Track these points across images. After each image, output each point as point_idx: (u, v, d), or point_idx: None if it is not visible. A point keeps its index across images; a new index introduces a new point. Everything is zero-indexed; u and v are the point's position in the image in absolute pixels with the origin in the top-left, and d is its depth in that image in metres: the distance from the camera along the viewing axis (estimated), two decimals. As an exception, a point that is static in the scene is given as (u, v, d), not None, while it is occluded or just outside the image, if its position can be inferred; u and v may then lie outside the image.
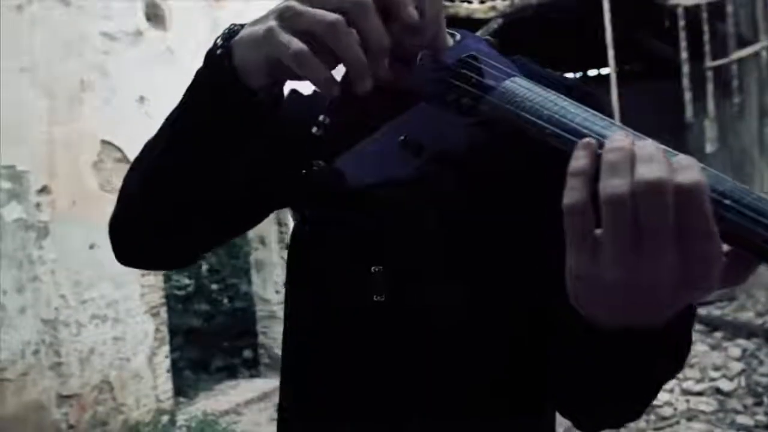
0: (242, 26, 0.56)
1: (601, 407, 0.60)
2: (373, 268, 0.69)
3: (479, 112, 0.55)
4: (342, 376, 0.72)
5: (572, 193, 0.40)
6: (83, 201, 3.80)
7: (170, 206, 0.67)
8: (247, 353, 6.90)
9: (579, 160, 0.40)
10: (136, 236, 0.77)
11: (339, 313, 0.73)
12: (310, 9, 0.46)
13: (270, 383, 5.86)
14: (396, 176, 0.64)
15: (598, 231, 0.39)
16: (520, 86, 0.52)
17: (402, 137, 0.64)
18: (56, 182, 3.65)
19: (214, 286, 7.91)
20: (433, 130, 0.62)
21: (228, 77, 0.54)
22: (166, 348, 4.32)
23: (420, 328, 0.68)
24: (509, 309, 0.67)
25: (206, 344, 7.19)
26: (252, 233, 6.06)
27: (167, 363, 4.33)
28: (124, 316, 4.00)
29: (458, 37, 0.71)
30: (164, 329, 4.31)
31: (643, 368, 0.50)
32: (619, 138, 0.40)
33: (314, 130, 0.54)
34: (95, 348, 3.81)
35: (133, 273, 4.09)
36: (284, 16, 0.47)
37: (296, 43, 0.46)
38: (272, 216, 5.84)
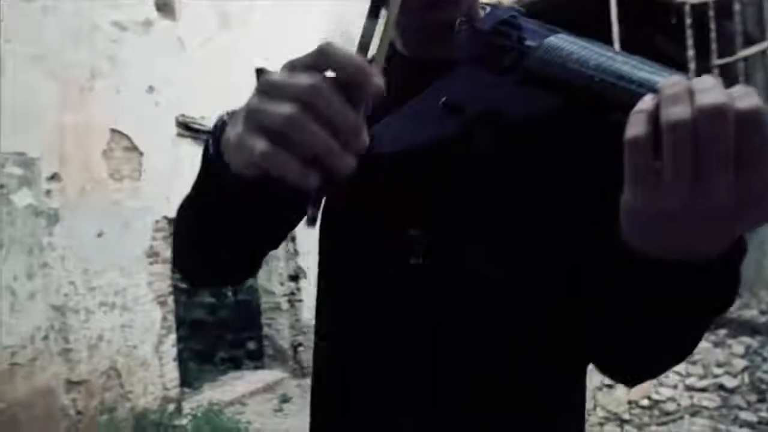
0: (231, 114, 0.55)
1: (648, 352, 0.59)
2: (411, 230, 0.69)
3: (523, 69, 0.56)
4: (379, 340, 0.72)
5: (634, 128, 0.41)
6: (93, 189, 3.82)
7: (216, 250, 0.70)
8: (252, 345, 6.92)
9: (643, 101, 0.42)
10: (196, 268, 0.78)
11: (376, 277, 0.73)
12: (267, 106, 0.44)
13: (274, 375, 5.88)
14: (437, 137, 0.65)
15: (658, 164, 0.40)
16: (565, 41, 0.52)
17: (444, 99, 0.65)
18: (66, 170, 3.66)
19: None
20: (475, 92, 0.63)
21: (225, 174, 0.53)
22: (173, 336, 4.34)
23: (458, 291, 0.69)
24: (547, 271, 0.67)
25: (211, 336, 7.21)
26: (258, 225, 6.08)
27: (174, 352, 4.35)
28: (131, 304, 4.02)
29: (488, 9, 0.72)
30: (171, 318, 4.33)
31: (696, 302, 0.51)
32: (676, 77, 0.41)
33: (307, 224, 0.51)
34: (103, 335, 3.83)
35: (140, 262, 4.12)
36: (249, 117, 0.46)
37: (260, 145, 0.44)
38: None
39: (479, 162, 0.67)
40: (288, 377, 5.87)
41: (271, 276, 5.94)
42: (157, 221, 4.24)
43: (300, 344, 5.90)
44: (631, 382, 0.67)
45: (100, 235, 3.83)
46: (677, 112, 0.39)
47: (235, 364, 6.60)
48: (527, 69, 0.55)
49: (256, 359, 6.54)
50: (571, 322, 0.65)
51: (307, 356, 5.93)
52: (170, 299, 4.35)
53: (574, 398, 0.77)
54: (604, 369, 0.69)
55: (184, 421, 4.13)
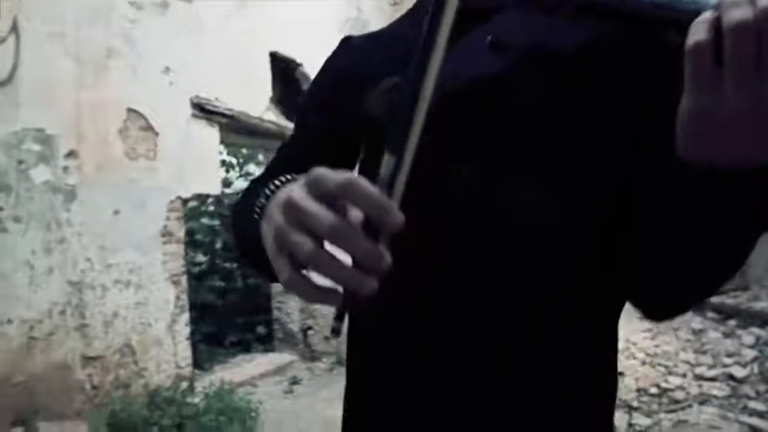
0: (280, 185, 0.60)
1: (695, 275, 0.60)
2: (453, 170, 0.69)
3: (574, 1, 0.57)
4: (418, 279, 0.72)
5: (695, 36, 0.42)
6: (109, 167, 3.85)
7: (261, 266, 0.71)
8: (261, 329, 6.97)
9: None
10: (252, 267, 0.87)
11: (416, 219, 0.74)
12: (293, 236, 0.48)
13: (284, 357, 5.92)
14: (483, 75, 0.65)
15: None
16: None
17: (490, 38, 0.65)
18: (83, 147, 3.69)
19: (228, 264, 7.98)
20: (522, 30, 0.64)
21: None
22: (186, 316, 4.38)
23: (498, 228, 0.69)
24: (592, 206, 0.67)
25: (221, 319, 7.27)
26: (269, 209, 6.10)
27: (187, 331, 4.39)
28: (146, 283, 4.05)
29: None
30: (184, 297, 4.36)
31: (750, 214, 0.51)
32: None
33: (331, 334, 0.53)
34: (118, 312, 3.87)
35: (155, 241, 4.15)
36: (276, 239, 0.50)
37: (285, 273, 0.49)
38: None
39: (525, 99, 0.67)
40: (298, 360, 5.90)
41: (282, 260, 5.96)
42: (171, 201, 4.26)
43: (310, 328, 5.93)
44: (670, 314, 0.67)
45: (116, 212, 3.86)
46: (739, 13, 0.40)
47: (245, 347, 6.66)
48: (573, 2, 0.55)
49: (266, 342, 6.58)
50: (617, 256, 0.66)
51: (316, 339, 5.96)
52: (183, 279, 4.38)
53: (608, 348, 0.78)
54: (638, 300, 0.69)
55: (196, 400, 4.16)
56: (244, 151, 8.55)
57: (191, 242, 6.36)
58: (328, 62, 0.93)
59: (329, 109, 0.87)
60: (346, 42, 0.93)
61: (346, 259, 0.47)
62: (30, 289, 3.37)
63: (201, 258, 7.98)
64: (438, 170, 0.70)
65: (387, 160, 0.49)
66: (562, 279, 0.70)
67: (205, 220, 8.26)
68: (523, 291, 0.70)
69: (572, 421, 0.72)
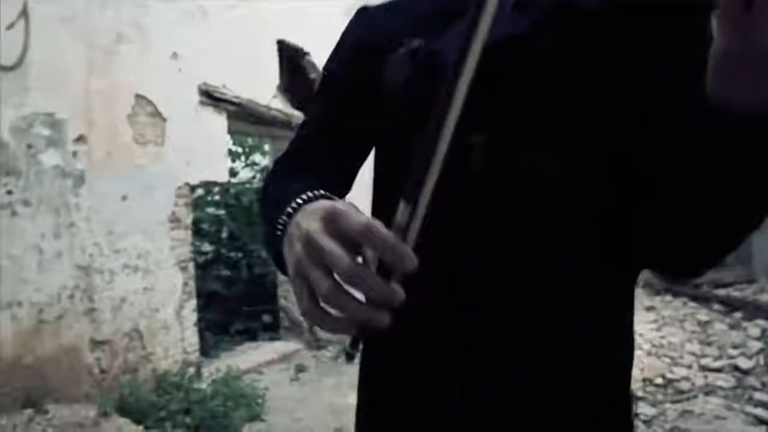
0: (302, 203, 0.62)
1: (711, 233, 0.60)
2: (474, 136, 0.69)
3: None
4: (441, 249, 0.71)
5: None
6: (118, 152, 3.86)
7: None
8: (267, 318, 6.99)
9: None
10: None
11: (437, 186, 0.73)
12: (312, 272, 0.52)
13: (290, 346, 5.94)
14: (507, 35, 0.65)
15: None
16: None
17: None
18: (92, 132, 3.70)
19: (234, 254, 8.00)
20: None
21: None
22: (193, 302, 4.40)
23: (516, 197, 0.69)
24: (608, 169, 0.67)
25: (226, 308, 7.30)
26: (276, 198, 6.10)
27: (194, 317, 4.41)
28: (154, 268, 4.07)
29: None
30: (192, 284, 4.38)
31: None
32: None
33: (345, 359, 0.58)
34: (126, 297, 3.89)
35: (163, 226, 4.17)
36: (297, 270, 0.54)
37: (303, 305, 0.55)
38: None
39: (547, 58, 0.67)
40: (303, 349, 5.92)
41: (289, 248, 5.97)
42: (179, 187, 4.27)
43: (316, 316, 5.95)
44: (690, 274, 0.67)
45: (124, 198, 3.88)
46: None
47: (251, 336, 6.68)
48: None
49: (272, 331, 6.60)
50: (638, 215, 0.66)
51: (321, 330, 5.98)
52: (191, 265, 4.39)
53: (628, 312, 0.78)
54: (654, 263, 0.69)
55: (203, 385, 4.19)
56: (250, 141, 8.56)
57: (197, 231, 6.37)
58: (346, 32, 0.93)
59: (349, 77, 0.88)
60: (363, 11, 0.93)
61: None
62: (39, 273, 3.39)
63: (207, 247, 8.01)
64: (457, 135, 0.70)
65: (403, 209, 0.51)
66: (584, 243, 0.69)
67: (210, 210, 8.28)
68: (543, 258, 0.70)
69: (593, 391, 0.73)
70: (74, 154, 3.60)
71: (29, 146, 3.36)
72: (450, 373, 0.73)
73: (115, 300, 3.81)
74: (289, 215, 0.62)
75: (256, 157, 8.64)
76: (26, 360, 3.31)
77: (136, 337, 3.94)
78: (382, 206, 0.83)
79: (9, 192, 3.25)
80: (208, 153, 4.52)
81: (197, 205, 7.00)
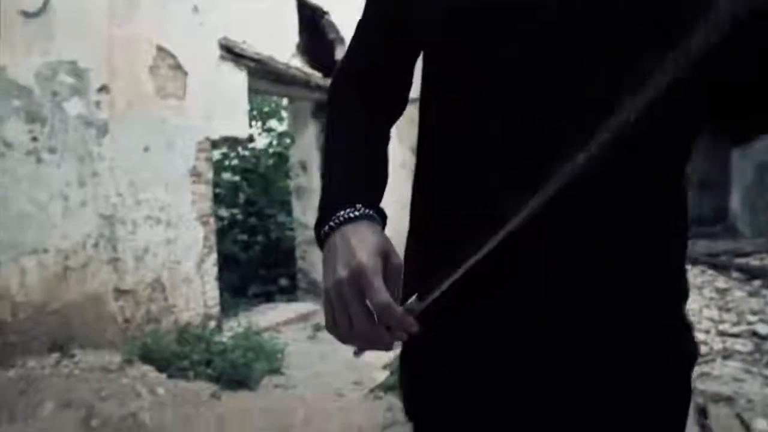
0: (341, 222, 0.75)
1: None
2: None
3: None
4: (497, 124, 0.72)
5: None
6: (139, 104, 3.86)
7: None
8: (284, 281, 7.05)
9: None
10: None
11: (500, 56, 0.72)
12: (337, 314, 0.69)
13: (307, 307, 5.99)
14: None
15: None
16: None
17: None
18: (115, 82, 3.70)
19: (251, 219, 8.03)
20: None
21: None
22: (214, 256, 4.43)
23: (577, 49, 0.67)
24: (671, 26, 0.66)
25: (244, 273, 7.35)
26: (294, 159, 6.11)
27: (215, 272, 4.45)
28: (176, 221, 4.10)
29: None
30: (212, 238, 4.41)
31: None
32: None
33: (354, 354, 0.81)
34: (149, 248, 3.92)
35: (184, 179, 4.18)
36: (326, 303, 0.71)
37: (328, 326, 0.72)
38: (314, 141, 5.87)
39: None
40: (320, 310, 5.95)
41: (306, 210, 5.99)
42: (199, 142, 4.28)
43: (333, 278, 5.98)
44: (754, 137, 0.68)
45: (146, 149, 3.89)
46: None
47: (268, 299, 6.74)
48: None
49: (289, 293, 6.66)
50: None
51: (339, 290, 6.02)
52: (212, 221, 4.42)
53: (683, 187, 0.78)
54: (725, 126, 0.69)
55: (224, 339, 4.24)
56: (266, 108, 8.55)
57: (214, 197, 6.39)
58: None
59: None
60: None
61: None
62: (65, 220, 3.42)
63: (224, 213, 8.04)
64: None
65: (414, 302, 0.68)
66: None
67: (227, 176, 8.30)
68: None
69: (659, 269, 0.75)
70: (97, 103, 3.61)
71: (54, 93, 3.37)
72: (539, 258, 0.73)
73: (137, 251, 3.85)
74: (332, 228, 0.74)
75: (273, 123, 8.62)
76: (53, 306, 3.36)
77: (159, 288, 3.99)
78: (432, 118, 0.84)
79: (34, 139, 3.27)
80: (229, 109, 4.51)
81: (215, 170, 7.00)
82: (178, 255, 4.12)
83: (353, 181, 0.83)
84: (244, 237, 7.89)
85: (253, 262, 7.65)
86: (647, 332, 0.77)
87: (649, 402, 0.79)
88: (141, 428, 2.85)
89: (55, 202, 3.37)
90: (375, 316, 0.66)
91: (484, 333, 0.78)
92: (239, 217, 8.10)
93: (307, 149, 5.92)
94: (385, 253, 0.70)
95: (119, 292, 3.74)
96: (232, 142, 4.68)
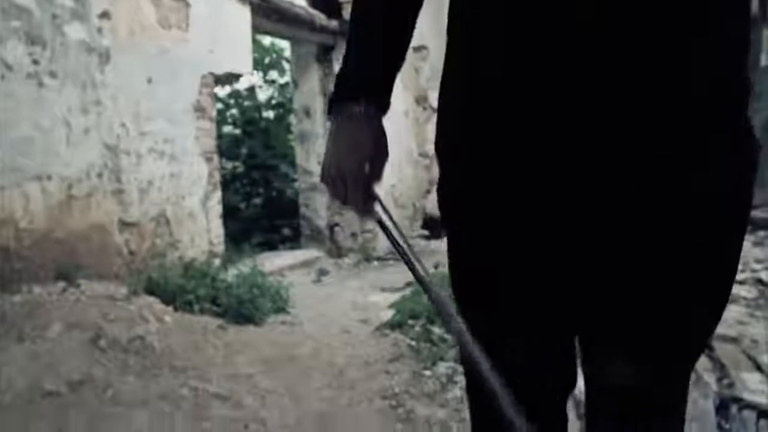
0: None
1: None
2: None
3: None
4: None
5: None
6: (142, 33, 3.77)
7: None
8: (287, 231, 7.02)
9: None
10: None
11: None
12: (331, 189, 0.96)
13: (311, 253, 5.97)
14: None
15: None
16: None
17: None
18: (116, 9, 3.61)
19: (253, 172, 7.97)
20: None
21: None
22: (218, 194, 4.39)
23: None
24: None
25: (246, 223, 7.32)
26: (297, 104, 6.02)
27: (219, 209, 4.41)
28: (180, 155, 4.04)
29: None
30: (217, 175, 4.36)
31: None
32: None
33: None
34: (153, 181, 3.88)
35: (188, 114, 4.12)
36: (323, 176, 0.98)
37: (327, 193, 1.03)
38: (317, 86, 5.77)
39: None
40: (324, 256, 5.94)
41: (310, 155, 5.93)
42: (203, 76, 4.20)
43: (337, 224, 5.95)
44: None
45: (149, 81, 3.82)
46: None
47: (271, 248, 6.71)
48: None
49: (292, 241, 6.63)
50: None
51: (343, 236, 5.99)
52: (216, 157, 4.37)
53: None
54: None
55: (228, 277, 4.21)
56: (266, 60, 8.41)
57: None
58: None
59: None
60: None
61: None
62: (68, 148, 3.36)
63: (226, 165, 7.97)
64: None
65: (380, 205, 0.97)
66: None
67: (228, 129, 8.21)
68: None
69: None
70: (99, 30, 3.52)
71: (54, 16, 3.28)
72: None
73: (142, 183, 3.80)
74: (339, 112, 0.93)
75: (273, 74, 8.50)
76: (57, 234, 3.33)
77: (164, 222, 3.95)
78: None
79: (35, 62, 3.19)
80: (232, 44, 4.41)
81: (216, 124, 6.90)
82: (182, 190, 4.07)
83: (371, 62, 0.94)
84: (247, 189, 7.84)
85: (256, 213, 7.62)
86: (709, 136, 0.73)
87: (711, 205, 0.75)
88: (149, 351, 2.85)
89: (57, 128, 3.31)
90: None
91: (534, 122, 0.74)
92: (241, 170, 8.04)
93: (311, 94, 5.82)
94: (374, 152, 0.90)
95: (124, 225, 3.70)
96: (236, 77, 4.59)
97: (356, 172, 0.89)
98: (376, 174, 0.92)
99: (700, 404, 2.18)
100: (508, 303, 0.84)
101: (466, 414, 2.82)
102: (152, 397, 2.49)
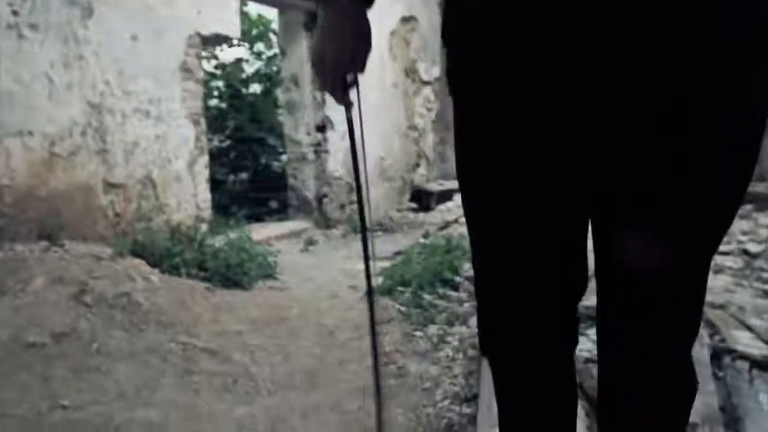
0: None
1: None
2: None
3: None
4: None
5: None
6: (126, -12, 3.66)
7: None
8: (274, 204, 6.96)
9: None
10: None
11: None
12: (318, 75, 0.98)
13: (299, 224, 5.91)
14: None
15: None
16: None
17: None
18: (98, -39, 3.50)
19: (240, 145, 7.87)
20: None
21: None
22: (205, 158, 4.32)
23: None
24: None
25: (233, 197, 7.25)
26: (285, 73, 5.93)
27: (206, 173, 4.34)
28: (166, 117, 3.95)
29: None
30: (204, 140, 4.28)
31: None
32: None
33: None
34: (138, 142, 3.79)
35: (173, 75, 4.02)
36: (312, 62, 0.98)
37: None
38: (306, 55, 5.67)
39: None
40: (312, 227, 5.89)
41: (298, 126, 5.85)
42: (190, 36, 4.10)
43: (325, 195, 5.89)
44: None
45: (134, 38, 3.71)
46: None
47: (258, 220, 6.64)
48: None
49: (280, 213, 6.57)
50: None
51: (331, 208, 5.93)
52: (203, 121, 4.29)
53: None
54: None
55: (216, 243, 4.15)
56: (254, 32, 8.27)
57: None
58: None
59: None
60: None
61: None
62: (50, 103, 3.27)
63: (213, 141, 7.86)
64: None
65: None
66: None
67: (214, 102, 8.10)
68: None
69: None
70: (80, -17, 3.41)
71: (34, -34, 3.17)
72: None
73: (127, 144, 3.71)
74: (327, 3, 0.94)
75: (260, 46, 8.36)
76: (40, 192, 3.24)
77: (150, 185, 3.87)
78: None
79: (14, 12, 3.09)
80: (219, 5, 4.31)
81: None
82: (168, 152, 3.99)
83: None
84: (234, 162, 7.75)
85: (243, 187, 7.54)
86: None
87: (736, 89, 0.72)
88: (135, 307, 2.79)
89: (39, 83, 3.21)
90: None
91: None
92: (227, 143, 7.93)
93: (299, 63, 5.72)
94: (357, 41, 0.93)
95: (109, 186, 3.62)
96: (223, 39, 4.49)
97: (335, 60, 0.93)
98: (359, 63, 0.95)
99: (695, 353, 2.18)
100: (517, 180, 0.80)
101: (459, 370, 2.80)
102: (139, 351, 2.44)
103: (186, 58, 4.06)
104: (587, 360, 2.09)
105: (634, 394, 0.88)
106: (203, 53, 4.72)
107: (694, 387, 0.92)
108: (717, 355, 2.33)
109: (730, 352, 2.38)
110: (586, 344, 2.14)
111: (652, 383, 0.87)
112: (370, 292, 1.04)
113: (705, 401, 1.74)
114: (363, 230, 1.08)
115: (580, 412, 1.59)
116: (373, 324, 1.05)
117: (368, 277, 1.03)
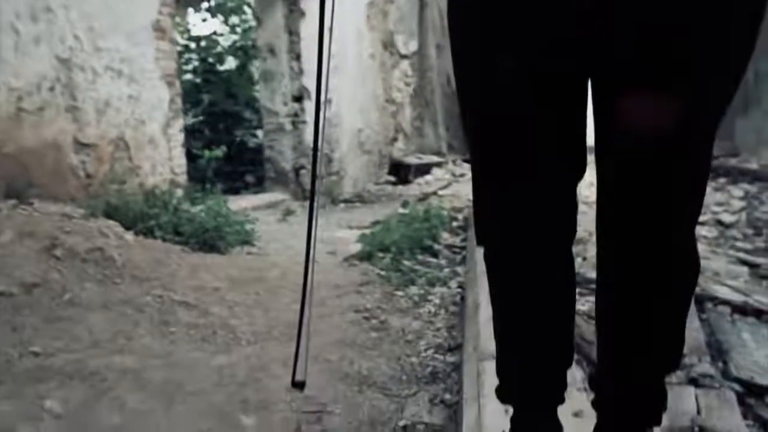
0: None
1: None
2: None
3: None
4: None
5: None
6: (95, -61, 3.53)
7: None
8: (250, 178, 6.86)
9: None
10: None
11: None
12: None
13: (276, 196, 5.83)
14: None
15: None
16: None
17: None
18: None
19: (215, 121, 7.74)
20: None
21: None
22: (180, 122, 4.21)
23: None
24: None
25: (209, 170, 7.12)
26: (261, 42, 5.81)
27: (181, 137, 4.23)
28: (139, 77, 3.84)
29: None
30: (179, 102, 4.17)
31: None
32: None
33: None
34: (110, 101, 3.67)
35: (147, 33, 3.90)
36: None
37: None
38: (282, 24, 5.57)
39: None
40: (290, 198, 5.82)
41: (275, 96, 5.75)
42: (163, -6, 3.98)
43: (302, 167, 5.81)
44: None
45: (105, -7, 3.59)
46: None
47: (235, 193, 6.54)
48: None
49: (257, 186, 6.48)
50: None
51: (308, 179, 5.86)
52: (177, 83, 4.17)
53: None
54: None
55: (191, 209, 4.05)
56: (229, 4, 8.12)
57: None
58: None
59: None
60: None
61: None
62: (17, 56, 3.14)
63: (188, 116, 7.71)
64: None
65: None
66: None
67: (189, 77, 7.93)
68: None
69: None
70: (48, -69, 3.27)
71: None
72: None
73: (99, 102, 3.59)
74: None
75: (234, 19, 8.21)
76: (7, 149, 3.12)
77: (123, 147, 3.76)
78: None
79: (-22, -42, 2.95)
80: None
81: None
82: (142, 114, 3.88)
83: None
84: (209, 136, 7.61)
85: (218, 163, 7.42)
86: None
87: None
88: (109, 262, 2.71)
89: (5, 35, 3.08)
90: None
91: None
92: (203, 117, 7.79)
93: (275, 32, 5.61)
94: None
95: (80, 145, 3.50)
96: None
97: None
98: None
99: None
100: (518, 24, 0.76)
101: (441, 324, 2.78)
102: (113, 302, 2.37)
103: (159, 17, 3.94)
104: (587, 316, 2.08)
105: (634, 275, 0.86)
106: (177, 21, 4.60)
107: (697, 267, 0.89)
108: (699, 301, 2.34)
109: (712, 299, 2.40)
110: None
111: (652, 263, 0.84)
112: (311, 207, 0.99)
113: (692, 335, 1.74)
114: (316, 137, 1.02)
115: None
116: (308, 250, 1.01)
117: (312, 193, 0.98)
